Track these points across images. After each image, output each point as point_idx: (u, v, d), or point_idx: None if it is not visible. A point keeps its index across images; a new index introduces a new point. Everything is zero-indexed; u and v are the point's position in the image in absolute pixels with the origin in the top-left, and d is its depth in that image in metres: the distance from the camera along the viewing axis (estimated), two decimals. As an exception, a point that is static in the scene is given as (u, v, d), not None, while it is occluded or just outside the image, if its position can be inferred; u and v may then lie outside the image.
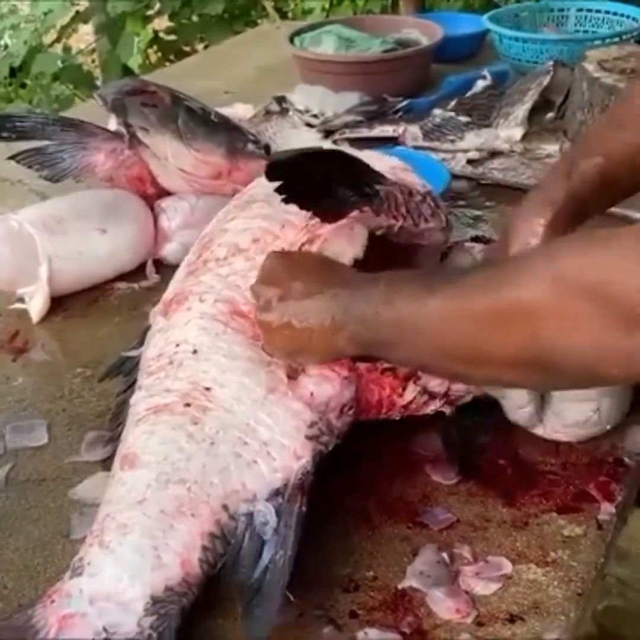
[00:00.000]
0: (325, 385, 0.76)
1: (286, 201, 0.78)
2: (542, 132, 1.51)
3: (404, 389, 0.83)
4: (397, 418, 0.84)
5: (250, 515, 0.71)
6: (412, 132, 1.47)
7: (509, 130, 1.49)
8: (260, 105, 1.61)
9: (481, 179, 1.37)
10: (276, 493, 0.72)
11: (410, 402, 0.83)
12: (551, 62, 1.55)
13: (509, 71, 1.71)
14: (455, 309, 0.65)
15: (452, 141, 1.47)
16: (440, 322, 0.66)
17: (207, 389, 0.76)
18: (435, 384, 0.83)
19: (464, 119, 1.53)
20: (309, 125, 1.57)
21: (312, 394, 0.75)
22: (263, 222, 0.86)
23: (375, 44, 1.65)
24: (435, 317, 0.66)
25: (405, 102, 1.57)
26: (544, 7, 1.90)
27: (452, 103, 1.59)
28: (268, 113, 1.59)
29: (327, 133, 1.51)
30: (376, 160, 0.95)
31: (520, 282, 0.60)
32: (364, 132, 1.48)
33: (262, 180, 0.90)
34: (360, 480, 0.82)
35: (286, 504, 0.71)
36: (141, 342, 0.89)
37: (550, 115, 1.53)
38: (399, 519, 0.78)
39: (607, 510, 0.78)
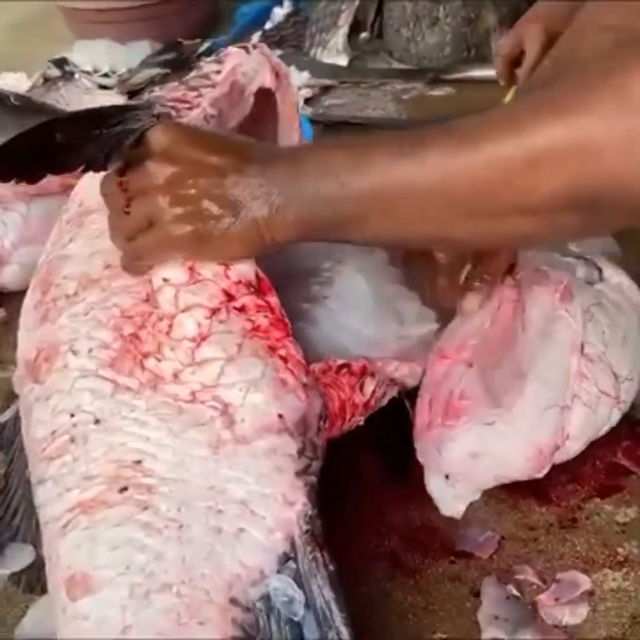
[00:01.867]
0: (289, 399, 0.60)
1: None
2: (363, 55, 1.39)
3: (362, 384, 0.69)
4: (362, 423, 0.70)
5: (267, 599, 0.55)
6: (228, 78, 1.29)
7: (332, 59, 1.36)
8: (34, 72, 1.36)
9: (327, 121, 1.23)
10: (285, 558, 0.56)
11: (371, 397, 0.69)
12: (355, -22, 1.41)
13: (301, -5, 1.56)
14: (468, 159, 0.53)
15: (276, 80, 1.31)
16: (447, 177, 0.54)
17: (137, 462, 0.58)
18: (391, 370, 0.71)
19: (277, 52, 1.37)
20: (104, 86, 1.35)
21: (280, 416, 0.59)
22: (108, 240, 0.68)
23: (151, -19, 1.43)
24: (438, 172, 0.54)
25: (206, 44, 1.39)
26: None
27: (256, 37, 1.44)
28: (47, 80, 1.35)
29: (131, 93, 1.30)
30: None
31: (575, 113, 0.50)
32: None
33: (91, 180, 0.71)
34: (365, 514, 0.68)
35: (304, 567, 0.56)
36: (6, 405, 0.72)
37: (364, 35, 1.41)
38: (437, 554, 0.66)
39: (649, 479, 0.69)
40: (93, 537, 0.55)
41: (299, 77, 1.32)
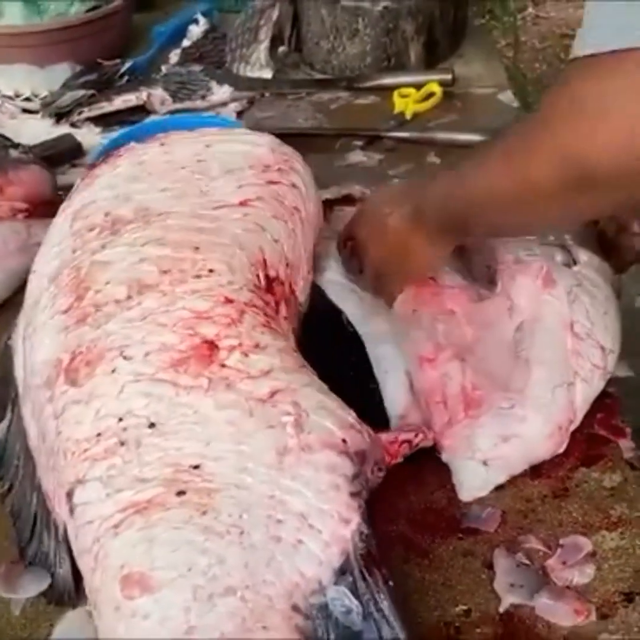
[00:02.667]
0: (354, 433, 0.62)
1: None
2: (284, 68, 1.42)
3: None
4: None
5: (324, 608, 0.56)
6: (158, 96, 1.30)
7: (255, 73, 1.38)
8: (-50, 99, 1.33)
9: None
10: (341, 572, 0.57)
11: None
12: (270, -6, 1.44)
13: (213, 10, 1.57)
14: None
15: (203, 97, 1.33)
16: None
17: (195, 467, 0.59)
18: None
19: (198, 68, 1.39)
20: (27, 110, 1.33)
21: (344, 440, 0.61)
22: (161, 249, 0.69)
23: (64, 2, 1.42)
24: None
25: (127, 64, 1.39)
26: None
27: (176, 55, 1.45)
28: (-34, 108, 1.33)
29: (59, 116, 1.29)
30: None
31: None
32: (106, 107, 1.28)
33: (104, 192, 0.73)
34: (371, 503, 0.71)
35: (361, 582, 0.57)
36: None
37: (282, 49, 1.43)
38: (446, 533, 0.69)
39: (626, 446, 0.74)
40: (150, 538, 0.56)
41: (220, 92, 1.34)
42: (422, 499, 0.72)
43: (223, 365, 0.63)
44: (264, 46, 1.39)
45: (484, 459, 0.70)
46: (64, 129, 1.27)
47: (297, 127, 1.25)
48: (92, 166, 0.85)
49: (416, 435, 0.70)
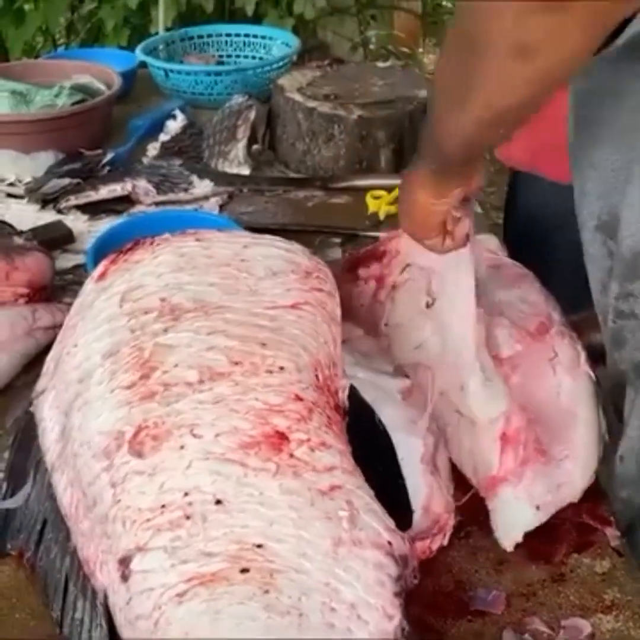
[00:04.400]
0: (398, 539, 0.67)
1: None
2: (259, 165, 1.50)
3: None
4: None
5: None
6: (143, 187, 1.36)
7: (234, 169, 1.45)
8: None
9: (245, 226, 1.31)
10: None
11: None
12: (246, 96, 1.53)
13: (185, 107, 1.65)
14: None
15: (185, 189, 1.39)
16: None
17: (259, 546, 0.64)
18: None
19: (177, 162, 1.46)
20: (12, 195, 1.37)
21: (390, 543, 0.66)
22: (228, 340, 0.75)
23: (50, 94, 1.48)
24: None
25: (109, 155, 1.44)
26: (183, 35, 1.87)
27: (154, 148, 1.51)
28: (-50, 191, 1.36)
29: (45, 202, 1.33)
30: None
31: None
32: (92, 196, 1.33)
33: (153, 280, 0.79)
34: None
35: None
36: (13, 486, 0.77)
37: (256, 147, 1.51)
38: (456, 615, 0.74)
39: (612, 534, 0.81)
40: (216, 610, 0.59)
41: (201, 186, 1.41)
42: (432, 583, 0.76)
43: (291, 455, 0.68)
44: (242, 144, 1.46)
45: (538, 504, 0.79)
46: (49, 214, 1.32)
47: (279, 223, 1.32)
48: (122, 252, 0.88)
49: (433, 538, 0.77)
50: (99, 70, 1.55)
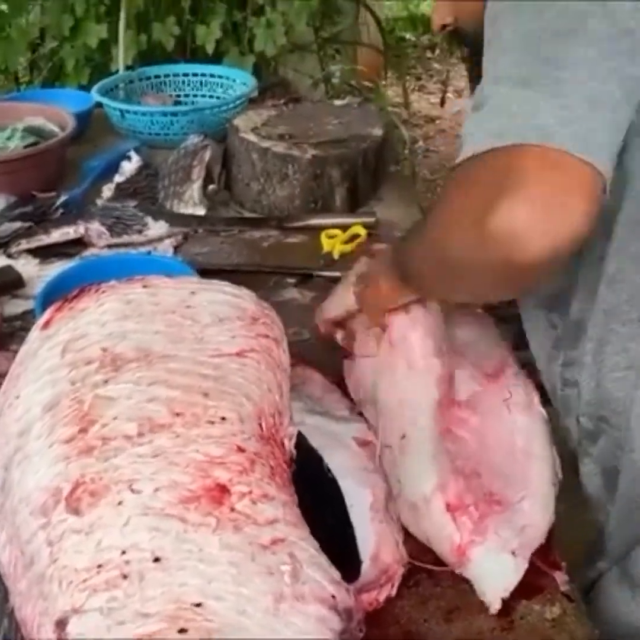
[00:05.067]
0: (343, 591, 0.65)
1: None
2: (215, 205, 1.49)
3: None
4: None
5: None
6: (96, 230, 1.35)
7: (189, 210, 1.45)
8: None
9: (199, 268, 1.31)
10: None
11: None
12: (202, 136, 1.52)
13: (141, 147, 1.64)
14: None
15: (140, 231, 1.38)
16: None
17: (197, 605, 0.62)
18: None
19: (131, 203, 1.45)
20: (-37, 239, 1.36)
21: (334, 596, 0.64)
22: (170, 390, 0.73)
23: (2, 137, 1.47)
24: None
25: (63, 197, 1.43)
26: (141, 75, 1.87)
27: (109, 190, 1.50)
28: None
29: (-4, 246, 1.32)
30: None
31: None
32: (44, 239, 1.32)
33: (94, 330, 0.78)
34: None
35: None
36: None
37: (212, 187, 1.51)
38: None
39: (562, 579, 0.80)
40: None
41: (156, 227, 1.40)
42: (379, 634, 0.75)
43: (233, 509, 0.66)
44: (197, 185, 1.46)
45: (512, 549, 0.79)
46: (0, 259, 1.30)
47: (233, 263, 1.32)
48: (67, 300, 0.87)
49: (381, 588, 0.76)
50: (54, 113, 1.54)
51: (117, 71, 2.34)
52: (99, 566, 0.64)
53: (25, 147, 1.44)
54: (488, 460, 0.88)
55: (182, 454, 0.70)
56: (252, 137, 1.45)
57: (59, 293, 1.03)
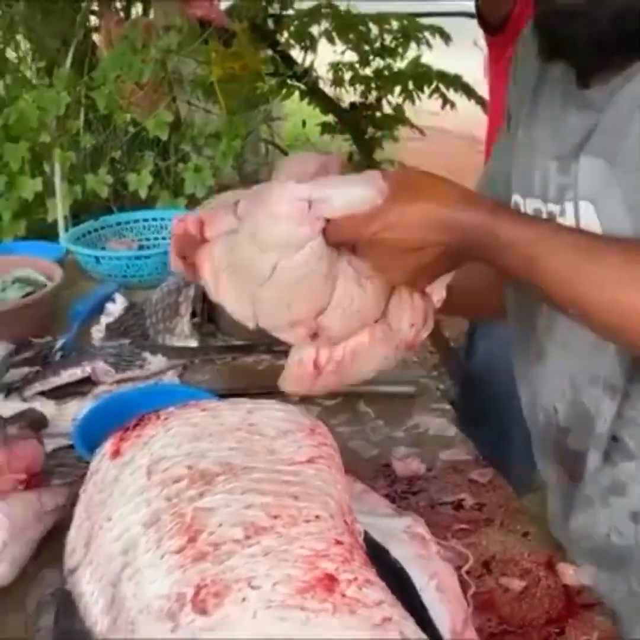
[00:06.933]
0: None
1: None
2: (203, 337, 1.59)
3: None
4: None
5: None
6: (101, 368, 1.43)
7: (181, 343, 1.54)
8: None
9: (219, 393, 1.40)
10: None
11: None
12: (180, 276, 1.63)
13: (120, 288, 1.74)
14: None
15: (141, 366, 1.46)
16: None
17: None
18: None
19: (125, 341, 1.54)
20: (-28, 386, 1.41)
21: None
22: (262, 497, 0.82)
23: (-1, 289, 1.55)
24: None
25: (59, 342, 1.51)
26: (103, 223, 1.98)
27: (98, 331, 1.59)
28: None
29: (8, 391, 1.38)
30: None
31: None
32: (56, 381, 1.39)
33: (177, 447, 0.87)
34: None
35: None
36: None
37: (196, 319, 1.61)
38: None
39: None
40: None
41: (155, 361, 1.49)
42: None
43: (343, 595, 0.74)
44: (186, 319, 1.56)
45: None
46: (15, 403, 1.36)
47: (240, 387, 1.41)
48: (128, 429, 0.95)
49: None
50: (39, 263, 1.63)
51: (54, 221, 2.46)
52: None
53: (24, 296, 1.52)
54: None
55: (288, 551, 0.78)
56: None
57: (94, 428, 1.11)
